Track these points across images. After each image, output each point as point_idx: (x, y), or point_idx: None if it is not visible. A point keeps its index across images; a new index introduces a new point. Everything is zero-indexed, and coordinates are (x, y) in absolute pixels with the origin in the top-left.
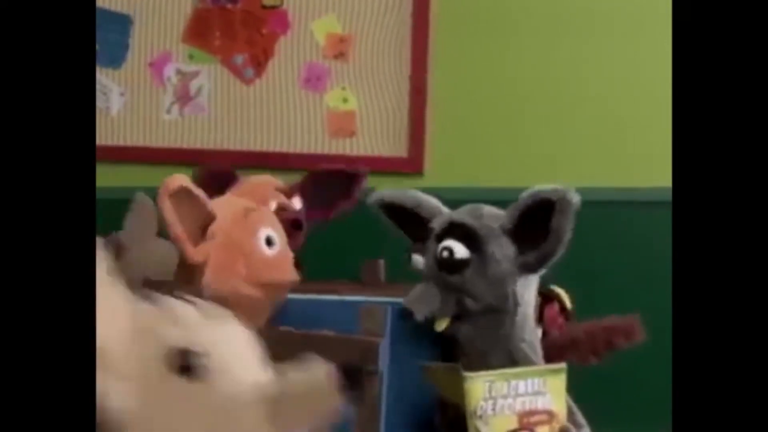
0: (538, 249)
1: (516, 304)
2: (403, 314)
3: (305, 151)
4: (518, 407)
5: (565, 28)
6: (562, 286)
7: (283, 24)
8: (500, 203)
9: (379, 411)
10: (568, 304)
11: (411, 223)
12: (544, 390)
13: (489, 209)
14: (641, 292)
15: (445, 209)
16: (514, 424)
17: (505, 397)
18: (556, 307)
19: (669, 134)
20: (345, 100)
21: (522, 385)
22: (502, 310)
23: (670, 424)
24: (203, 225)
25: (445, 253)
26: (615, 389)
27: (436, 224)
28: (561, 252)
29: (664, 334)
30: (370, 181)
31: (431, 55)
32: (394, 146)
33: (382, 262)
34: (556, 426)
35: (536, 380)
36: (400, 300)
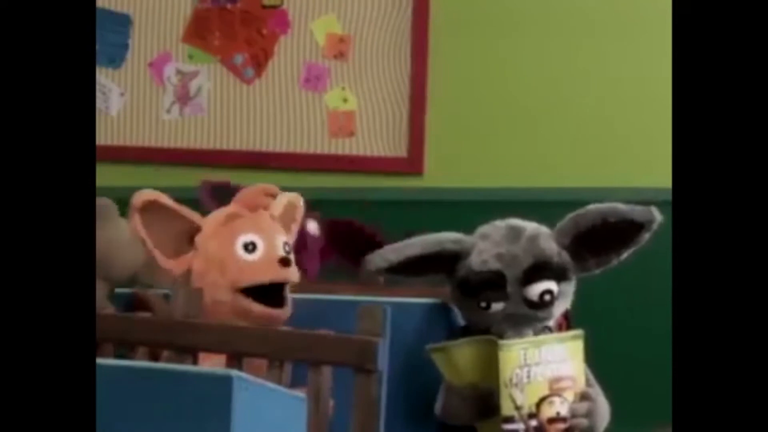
0: (599, 256)
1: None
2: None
3: (305, 151)
4: (548, 374)
5: (565, 29)
6: None
7: (283, 24)
8: (500, 203)
9: (379, 411)
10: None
11: (424, 264)
12: (567, 356)
13: (531, 229)
14: (641, 291)
15: (467, 238)
16: (546, 391)
17: (537, 364)
18: None
19: (669, 134)
20: (345, 100)
21: (550, 352)
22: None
23: (670, 422)
24: (188, 236)
25: (548, 297)
26: (616, 387)
27: (505, 266)
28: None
29: (664, 333)
30: (370, 181)
31: (431, 55)
32: (394, 146)
33: None
34: (578, 390)
35: (561, 346)
36: (399, 300)
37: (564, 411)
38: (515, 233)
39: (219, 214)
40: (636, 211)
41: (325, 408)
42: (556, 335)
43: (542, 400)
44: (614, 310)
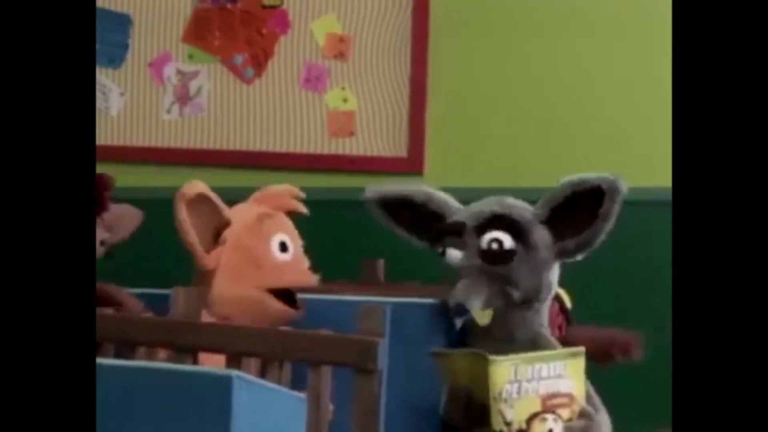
0: (578, 236)
1: (548, 291)
2: (454, 312)
3: (305, 151)
4: (542, 390)
5: (565, 28)
6: (561, 285)
7: (283, 24)
8: None
9: (379, 411)
10: (567, 303)
11: (414, 219)
12: (565, 373)
13: (513, 200)
14: (641, 291)
15: (456, 203)
16: (538, 407)
17: (529, 380)
18: (555, 306)
19: (669, 134)
20: (345, 100)
21: (545, 369)
22: (537, 297)
23: (671, 423)
24: (217, 230)
25: (495, 245)
26: (615, 388)
27: (469, 217)
28: (601, 239)
29: (665, 333)
30: (370, 181)
31: (431, 55)
32: (394, 146)
33: (381, 262)
34: (576, 408)
35: (558, 363)
36: (400, 300)
37: (558, 429)
38: (496, 199)
39: (249, 210)
40: (599, 178)
41: (325, 408)
42: (550, 352)
43: (534, 416)
44: (614, 310)
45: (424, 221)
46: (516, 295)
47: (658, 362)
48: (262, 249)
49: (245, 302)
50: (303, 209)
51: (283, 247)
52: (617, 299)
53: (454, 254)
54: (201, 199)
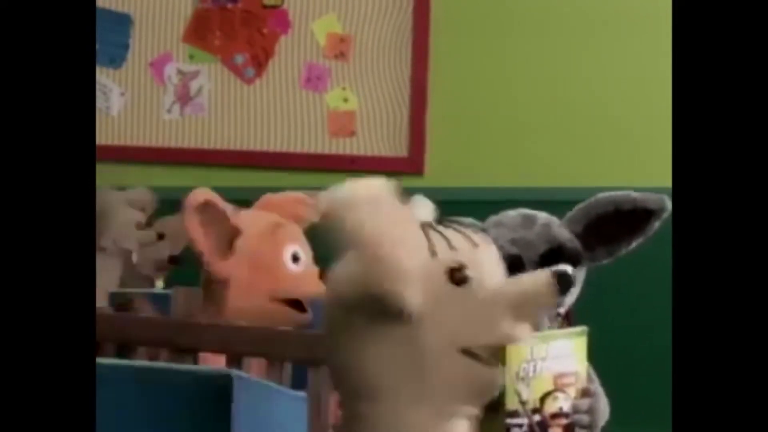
0: (609, 245)
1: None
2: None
3: (305, 150)
4: (554, 369)
5: (565, 29)
6: None
7: (284, 24)
8: (500, 203)
9: None
10: None
11: None
12: (572, 352)
13: (545, 220)
14: (641, 291)
15: (480, 224)
16: (551, 386)
17: (543, 359)
18: None
19: (669, 134)
20: (345, 100)
21: (555, 348)
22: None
23: (670, 424)
24: (229, 239)
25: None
26: (615, 389)
27: (523, 249)
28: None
29: (664, 333)
30: None
31: (431, 55)
32: (394, 146)
33: None
34: (580, 387)
35: (567, 342)
36: None
37: (567, 407)
38: (528, 220)
39: (261, 221)
40: (649, 199)
41: (325, 408)
42: (563, 331)
43: (546, 395)
44: (614, 309)
45: None
46: (561, 311)
47: (658, 362)
48: (276, 260)
49: (259, 313)
50: (315, 218)
51: (295, 258)
52: (617, 298)
53: None
54: (208, 206)
